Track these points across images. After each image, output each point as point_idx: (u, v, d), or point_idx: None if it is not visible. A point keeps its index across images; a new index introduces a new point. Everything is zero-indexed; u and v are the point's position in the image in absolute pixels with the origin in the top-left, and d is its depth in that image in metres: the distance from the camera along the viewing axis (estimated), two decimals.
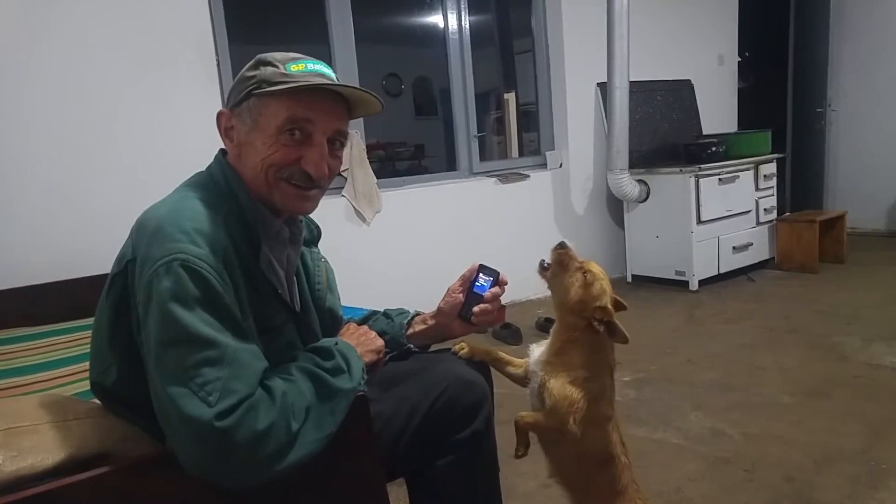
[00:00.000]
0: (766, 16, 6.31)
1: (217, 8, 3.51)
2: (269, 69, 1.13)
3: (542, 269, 1.48)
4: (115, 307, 1.11)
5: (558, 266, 1.45)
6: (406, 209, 4.18)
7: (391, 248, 4.09)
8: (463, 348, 1.45)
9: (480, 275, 1.44)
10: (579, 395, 1.38)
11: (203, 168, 1.25)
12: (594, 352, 1.41)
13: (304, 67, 1.14)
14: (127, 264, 1.09)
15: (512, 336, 3.70)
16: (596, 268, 1.44)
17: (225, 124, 1.18)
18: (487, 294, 1.43)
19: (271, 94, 1.12)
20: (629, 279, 4.96)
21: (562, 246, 1.46)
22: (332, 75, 1.17)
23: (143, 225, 1.09)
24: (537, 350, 1.48)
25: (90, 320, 2.52)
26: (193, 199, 1.12)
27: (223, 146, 1.25)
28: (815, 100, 6.10)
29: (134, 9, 3.18)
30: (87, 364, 1.99)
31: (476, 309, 1.42)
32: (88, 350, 2.13)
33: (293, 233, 1.28)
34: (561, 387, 1.38)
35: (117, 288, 1.11)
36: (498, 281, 1.45)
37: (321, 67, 1.16)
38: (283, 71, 1.12)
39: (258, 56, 1.15)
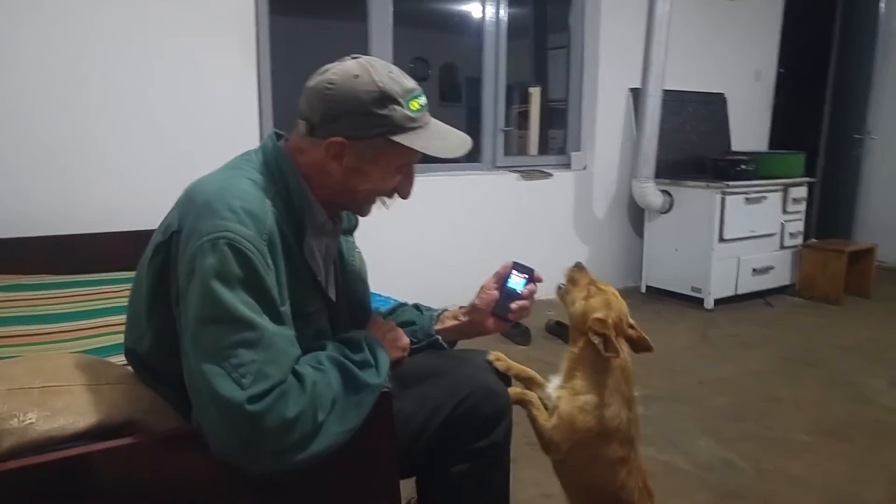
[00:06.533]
0: (808, 32, 6.12)
1: None
2: (398, 111, 1.13)
3: (558, 290, 1.50)
4: (156, 276, 1.11)
5: (571, 283, 1.47)
6: (426, 197, 4.05)
7: (409, 234, 3.98)
8: (499, 359, 1.42)
9: (514, 272, 1.43)
10: (585, 424, 1.35)
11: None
12: (600, 373, 1.38)
13: (420, 105, 1.16)
14: (172, 235, 1.08)
15: (521, 336, 3.61)
16: (609, 288, 1.45)
17: (336, 151, 1.14)
18: (524, 291, 1.41)
19: (409, 148, 1.15)
20: (643, 290, 4.85)
21: (577, 265, 1.49)
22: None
23: (192, 197, 1.09)
24: (555, 378, 1.46)
25: (116, 274, 2.63)
26: (243, 179, 1.12)
27: (277, 131, 1.25)
28: (854, 125, 5.93)
29: None
30: (110, 319, 2.09)
31: (514, 306, 1.41)
32: (112, 305, 2.23)
33: (335, 224, 1.28)
34: (570, 411, 1.36)
35: (160, 257, 1.11)
36: (533, 278, 1.43)
37: (424, 98, 1.19)
38: (409, 114, 1.14)
39: (380, 86, 1.11)
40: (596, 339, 1.35)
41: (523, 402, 1.40)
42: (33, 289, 2.39)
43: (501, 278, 1.43)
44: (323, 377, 1.06)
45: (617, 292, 1.45)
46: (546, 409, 1.43)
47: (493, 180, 4.42)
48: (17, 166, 2.88)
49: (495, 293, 1.42)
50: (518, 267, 1.43)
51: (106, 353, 1.76)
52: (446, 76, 6.04)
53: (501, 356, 1.44)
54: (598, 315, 1.37)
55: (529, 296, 1.42)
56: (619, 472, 1.36)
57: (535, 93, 5.04)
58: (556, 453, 1.37)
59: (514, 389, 1.41)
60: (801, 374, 3.29)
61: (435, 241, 4.12)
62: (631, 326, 1.44)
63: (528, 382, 1.45)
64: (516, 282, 1.41)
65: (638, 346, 1.45)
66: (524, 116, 5.15)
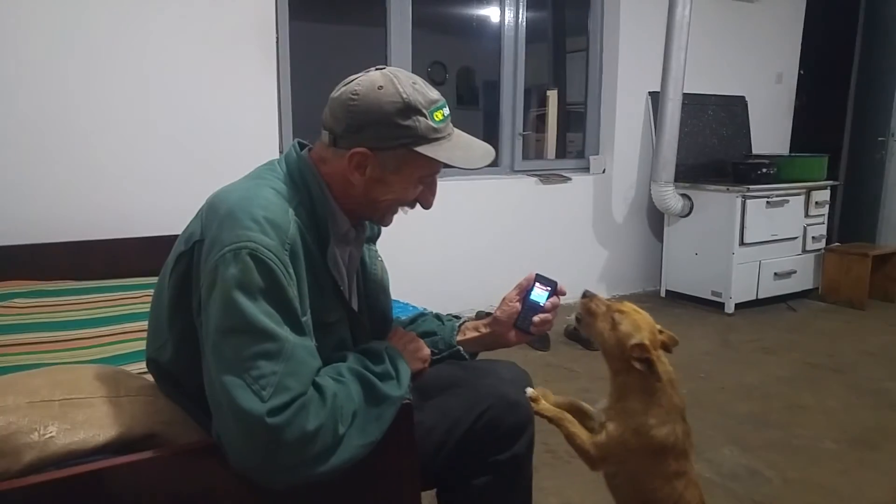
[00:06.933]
0: (830, 33, 6.02)
1: None
2: (422, 122, 1.13)
3: (577, 322, 1.45)
4: (178, 285, 1.11)
5: (589, 315, 1.41)
6: (444, 201, 4.00)
7: (427, 238, 3.95)
8: (538, 401, 1.38)
9: (537, 284, 1.41)
10: (639, 444, 1.31)
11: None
12: (651, 394, 1.33)
13: (443, 116, 1.16)
14: (194, 244, 1.09)
15: (540, 341, 3.56)
16: (628, 307, 1.39)
17: (359, 162, 1.14)
18: (547, 304, 1.40)
19: (432, 159, 1.14)
20: (663, 294, 4.81)
21: (586, 294, 1.44)
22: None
23: (215, 207, 1.09)
24: (603, 400, 1.43)
25: (134, 280, 2.66)
26: (267, 188, 1.12)
27: (300, 140, 1.26)
28: (877, 127, 5.80)
29: None
30: (128, 325, 2.11)
31: (536, 319, 1.40)
32: (130, 311, 2.26)
33: (358, 233, 1.28)
34: (622, 432, 1.32)
35: (182, 266, 1.11)
36: (556, 291, 1.42)
37: (448, 109, 1.19)
38: (433, 124, 1.14)
39: (404, 97, 1.11)
40: (640, 366, 1.31)
41: (557, 422, 1.36)
42: (53, 295, 2.41)
43: (524, 290, 1.41)
44: (344, 389, 1.05)
45: (636, 307, 1.41)
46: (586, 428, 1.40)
47: (512, 184, 4.40)
48: (37, 173, 2.89)
49: (517, 305, 1.40)
50: (541, 279, 1.41)
51: (125, 360, 1.77)
52: (464, 80, 6.03)
53: (541, 400, 1.39)
54: (634, 341, 1.33)
55: (552, 309, 1.40)
56: (677, 485, 1.33)
57: (552, 96, 5.00)
58: (600, 468, 1.35)
59: (548, 407, 1.37)
60: (826, 380, 3.23)
61: (453, 245, 4.10)
62: (660, 331, 1.42)
63: (563, 426, 1.39)
64: (539, 294, 1.40)
65: (668, 348, 1.42)
66: (541, 120, 5.12)
